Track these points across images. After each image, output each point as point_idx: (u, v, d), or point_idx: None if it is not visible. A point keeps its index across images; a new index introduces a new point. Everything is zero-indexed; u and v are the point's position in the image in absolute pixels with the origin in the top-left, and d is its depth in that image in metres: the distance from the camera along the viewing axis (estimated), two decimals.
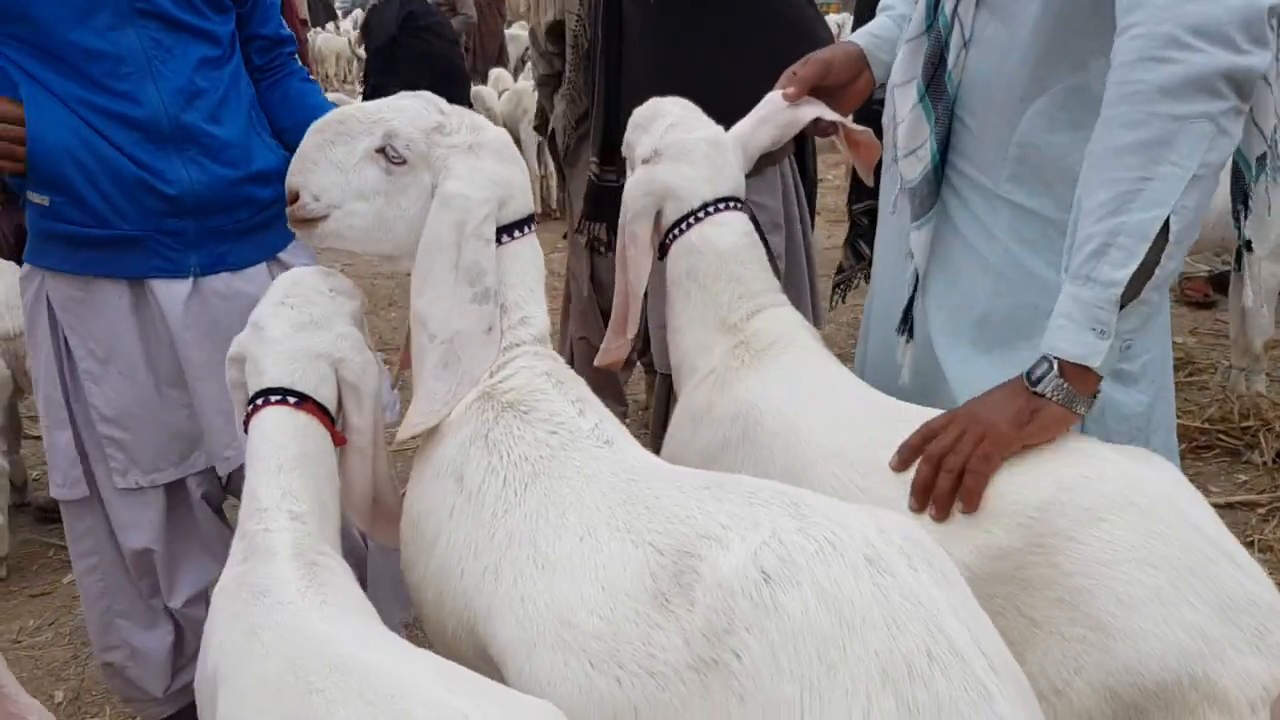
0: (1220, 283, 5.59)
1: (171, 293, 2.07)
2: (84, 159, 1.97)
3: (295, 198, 1.66)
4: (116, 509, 2.17)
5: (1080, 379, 1.43)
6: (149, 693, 2.30)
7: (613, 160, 2.96)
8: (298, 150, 1.66)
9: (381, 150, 1.64)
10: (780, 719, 1.03)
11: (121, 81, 1.98)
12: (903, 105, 1.82)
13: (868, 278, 2.46)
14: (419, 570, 1.59)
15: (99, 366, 2.10)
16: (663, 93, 2.06)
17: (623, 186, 1.93)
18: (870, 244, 2.30)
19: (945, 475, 1.40)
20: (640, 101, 2.04)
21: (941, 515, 1.39)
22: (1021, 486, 1.38)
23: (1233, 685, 1.21)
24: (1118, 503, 1.31)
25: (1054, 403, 1.43)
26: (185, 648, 2.30)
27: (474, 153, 1.66)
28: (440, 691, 1.10)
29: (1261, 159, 1.74)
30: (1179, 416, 2.66)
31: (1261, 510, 3.60)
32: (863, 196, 3.78)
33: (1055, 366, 1.43)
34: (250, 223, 2.13)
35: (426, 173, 1.66)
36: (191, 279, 2.09)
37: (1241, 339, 4.37)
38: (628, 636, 1.20)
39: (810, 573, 1.09)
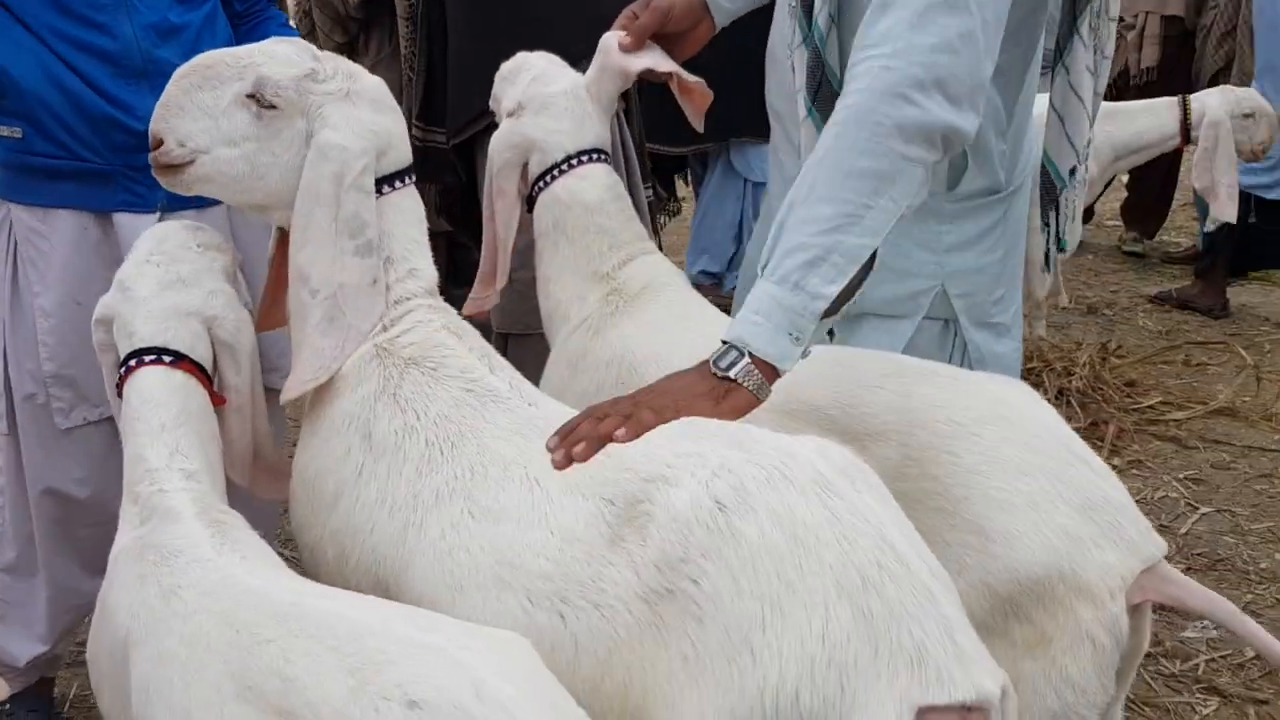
0: None
1: (137, 228, 1.96)
2: (51, 91, 1.98)
3: (159, 144, 1.61)
4: (45, 451, 2.11)
5: (768, 373, 1.41)
6: (12, 658, 2.21)
7: (440, 121, 2.95)
8: (162, 96, 1.61)
9: (252, 96, 1.60)
10: (742, 635, 1.12)
11: (99, 13, 1.98)
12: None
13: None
14: (316, 530, 1.58)
15: (53, 303, 2.06)
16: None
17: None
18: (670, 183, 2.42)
19: (594, 422, 1.36)
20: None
21: (575, 457, 1.33)
22: (895, 409, 1.51)
23: (1095, 577, 1.39)
24: (988, 417, 1.46)
25: (745, 389, 1.40)
26: (59, 616, 2.21)
27: (350, 101, 1.65)
28: (408, 629, 1.12)
29: (1072, 171, 1.95)
30: None
31: None
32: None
33: (747, 357, 1.40)
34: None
35: (300, 119, 1.63)
36: (158, 214, 2.04)
37: (1027, 288, 4.78)
38: (577, 576, 1.25)
39: (763, 499, 1.17)
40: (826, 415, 1.54)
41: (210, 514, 1.40)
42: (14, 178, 2.07)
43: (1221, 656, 2.87)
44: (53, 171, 2.03)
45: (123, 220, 2.07)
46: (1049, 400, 4.13)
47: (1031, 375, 4.44)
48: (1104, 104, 4.62)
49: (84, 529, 2.16)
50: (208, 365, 1.59)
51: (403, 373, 1.56)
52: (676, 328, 1.81)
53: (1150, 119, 4.28)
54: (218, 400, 1.61)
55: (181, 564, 1.30)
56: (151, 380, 1.52)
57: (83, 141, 2.02)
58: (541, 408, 1.52)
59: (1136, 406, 4.28)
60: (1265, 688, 2.74)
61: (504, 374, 1.57)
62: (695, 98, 2.08)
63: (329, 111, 1.62)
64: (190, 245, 1.64)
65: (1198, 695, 2.73)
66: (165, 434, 1.47)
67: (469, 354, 1.58)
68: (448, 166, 2.93)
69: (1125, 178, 6.25)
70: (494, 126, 2.41)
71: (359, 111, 1.65)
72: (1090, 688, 1.39)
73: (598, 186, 1.90)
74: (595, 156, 1.93)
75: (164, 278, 1.58)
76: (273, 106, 1.60)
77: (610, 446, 1.32)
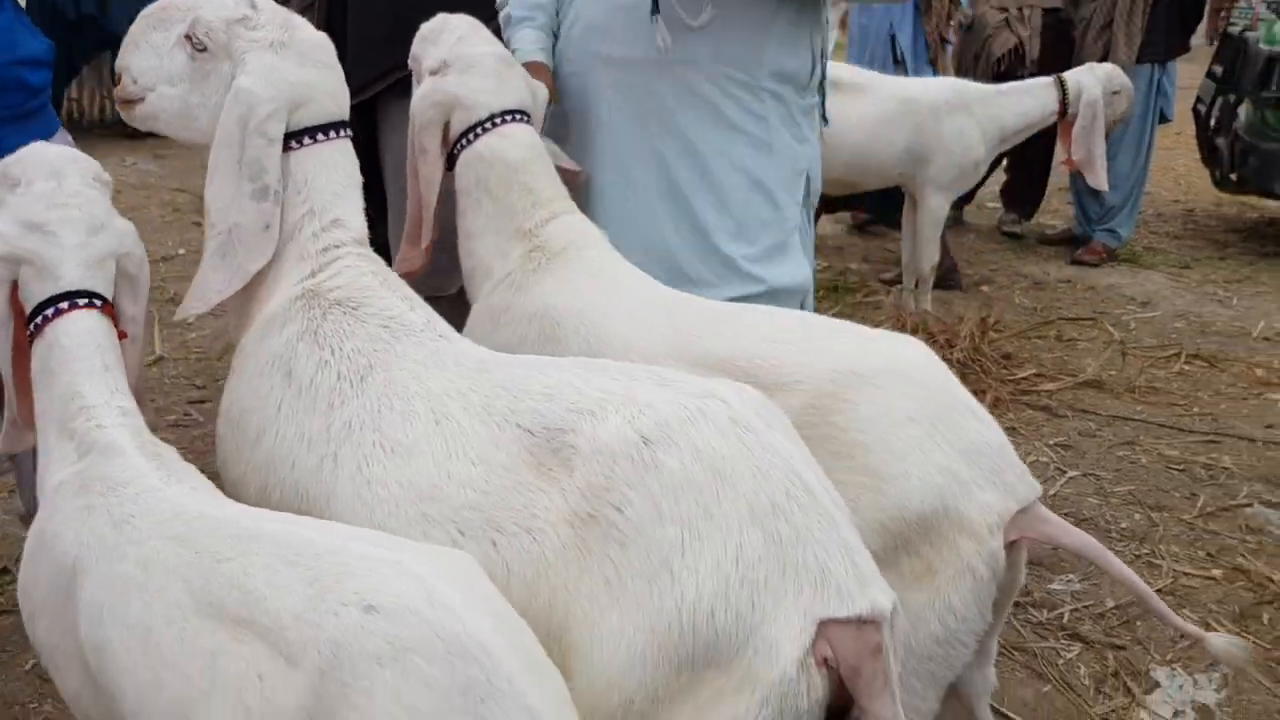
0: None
1: None
2: None
3: (119, 79, 1.64)
4: None
5: None
6: None
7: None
8: (128, 33, 1.64)
9: (188, 37, 1.64)
10: (662, 558, 1.22)
11: None
12: None
13: None
14: (239, 467, 1.63)
15: None
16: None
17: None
18: None
19: None
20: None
21: None
22: (802, 363, 1.63)
23: (976, 515, 1.53)
24: (885, 370, 1.59)
25: None
26: None
27: (275, 51, 1.69)
28: (364, 546, 1.19)
29: None
30: None
31: None
32: None
33: None
34: (23, 108, 2.04)
35: (227, 63, 1.67)
36: None
37: (912, 264, 5.00)
38: (509, 504, 1.33)
39: (685, 434, 1.27)
40: (737, 367, 1.65)
41: (149, 448, 1.45)
42: None
43: (1084, 607, 3.10)
44: None
45: None
46: None
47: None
48: (986, 87, 4.88)
49: None
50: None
51: (325, 313, 1.62)
52: (597, 284, 1.90)
53: (1031, 99, 4.55)
54: (122, 334, 1.64)
55: (131, 493, 1.35)
56: (88, 323, 1.54)
57: None
58: (453, 342, 1.60)
59: (1012, 378, 4.53)
60: (1122, 634, 2.98)
61: (422, 312, 1.64)
62: None
63: (250, 58, 1.67)
64: (89, 181, 1.63)
65: (1062, 641, 2.95)
66: (108, 374, 1.51)
67: (391, 295, 1.65)
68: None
69: (1005, 162, 6.56)
70: (397, 86, 2.45)
71: (282, 62, 1.69)
72: (970, 616, 1.54)
73: (520, 145, 1.97)
74: (518, 116, 2.00)
75: (88, 222, 1.59)
76: (204, 49, 1.65)
77: (528, 380, 1.42)
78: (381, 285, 1.67)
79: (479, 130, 1.98)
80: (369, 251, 1.73)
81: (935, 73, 5.52)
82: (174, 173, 7.27)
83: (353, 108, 2.84)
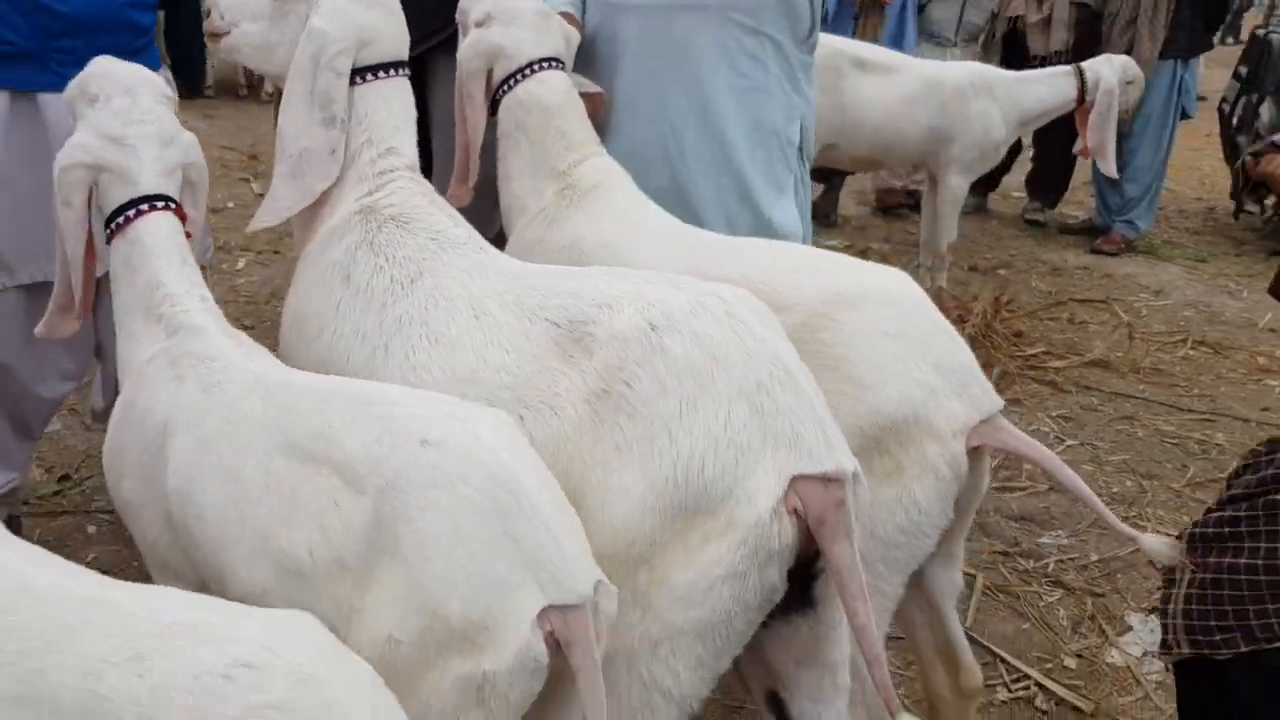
0: (914, 197, 6.50)
1: (59, 107, 2.17)
2: None
3: (208, 13, 1.89)
4: None
5: None
6: None
7: None
8: None
9: None
10: (663, 424, 1.46)
11: None
12: None
13: None
14: (300, 360, 1.87)
15: None
16: None
17: None
18: None
19: None
20: None
21: None
22: (801, 287, 1.86)
23: (942, 421, 1.76)
24: (869, 294, 1.82)
25: None
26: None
27: None
28: (422, 398, 1.45)
29: None
30: None
31: None
32: None
33: None
34: (132, 46, 2.27)
35: (304, 5, 1.92)
36: None
37: (930, 242, 5.21)
38: (534, 384, 1.58)
39: (687, 323, 1.51)
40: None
41: (228, 330, 1.70)
42: None
43: (1070, 559, 3.31)
44: None
45: (46, 100, 2.27)
46: None
47: None
48: (1009, 73, 5.07)
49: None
50: None
51: (380, 226, 1.86)
52: (622, 220, 2.13)
53: (1050, 88, 4.74)
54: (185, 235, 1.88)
55: (219, 365, 1.60)
56: (166, 224, 1.78)
57: (9, 23, 2.19)
58: (492, 257, 1.84)
59: (1021, 354, 4.74)
60: (1103, 585, 3.20)
61: (465, 229, 1.89)
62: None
63: (324, 2, 1.92)
64: (159, 98, 1.86)
65: (1045, 587, 3.17)
66: (186, 267, 1.75)
67: (439, 213, 1.90)
68: None
69: (1031, 152, 6.74)
70: (444, 44, 2.70)
71: (352, 6, 1.94)
72: (932, 510, 1.76)
73: (556, 91, 2.20)
74: (554, 64, 2.23)
75: (160, 136, 1.82)
76: None
77: (557, 283, 1.66)
78: (430, 204, 1.92)
79: (519, 76, 2.21)
80: (419, 176, 1.98)
81: (854, 33, 5.75)
82: (222, 132, 7.58)
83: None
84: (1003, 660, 2.83)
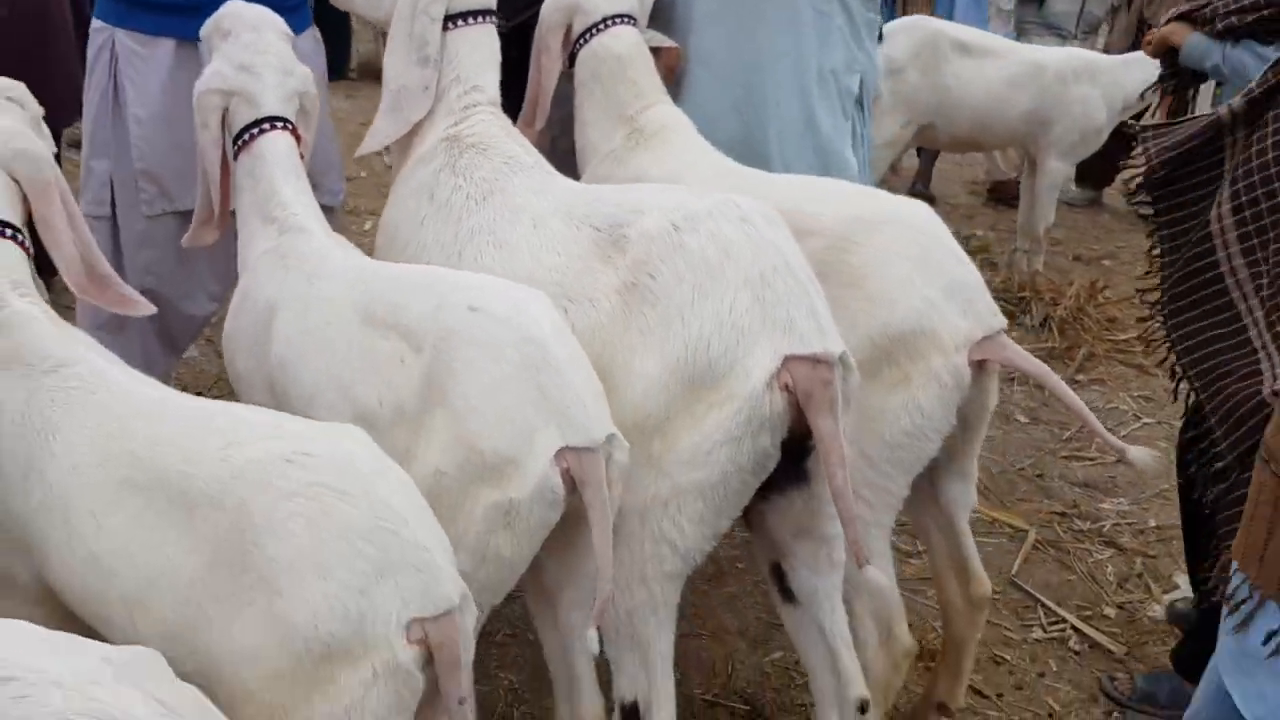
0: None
1: None
2: None
3: None
4: (131, 232, 2.65)
5: None
6: None
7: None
8: None
9: None
10: (678, 310, 1.70)
11: None
12: None
13: None
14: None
15: (145, 112, 2.58)
16: None
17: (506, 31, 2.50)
18: None
19: None
20: None
21: None
22: (827, 215, 2.07)
23: (947, 335, 1.95)
24: (887, 219, 2.03)
25: None
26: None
27: None
28: (477, 278, 1.75)
29: None
30: None
31: None
32: None
33: None
34: (287, 3, 2.55)
35: None
36: None
37: (1027, 225, 5.29)
38: (579, 281, 1.84)
39: (705, 224, 1.75)
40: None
41: (331, 234, 2.01)
42: (120, 8, 2.58)
43: (1127, 524, 3.42)
44: (152, 3, 2.53)
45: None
46: (1033, 325, 4.69)
47: (1020, 302, 4.97)
48: (1111, 58, 5.12)
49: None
50: None
51: (462, 153, 2.15)
52: (681, 160, 2.38)
53: (1140, 71, 4.77)
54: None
55: (319, 259, 1.91)
56: (284, 141, 2.10)
57: None
58: (555, 179, 2.11)
59: (1112, 339, 4.79)
60: (1157, 548, 3.29)
61: (534, 156, 2.16)
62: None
63: None
64: (280, 34, 2.18)
65: (1098, 546, 3.29)
66: (298, 180, 2.07)
67: (512, 143, 2.18)
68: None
69: None
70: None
71: None
72: (935, 415, 1.96)
73: (628, 43, 2.46)
74: (627, 20, 2.49)
75: (281, 66, 2.14)
76: None
77: (606, 196, 1.92)
78: (506, 135, 2.20)
79: (595, 30, 2.48)
80: (499, 111, 2.26)
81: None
82: (362, 110, 8.06)
83: (507, 33, 3.46)
84: (1042, 605, 2.97)
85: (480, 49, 2.30)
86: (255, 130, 2.10)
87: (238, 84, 2.10)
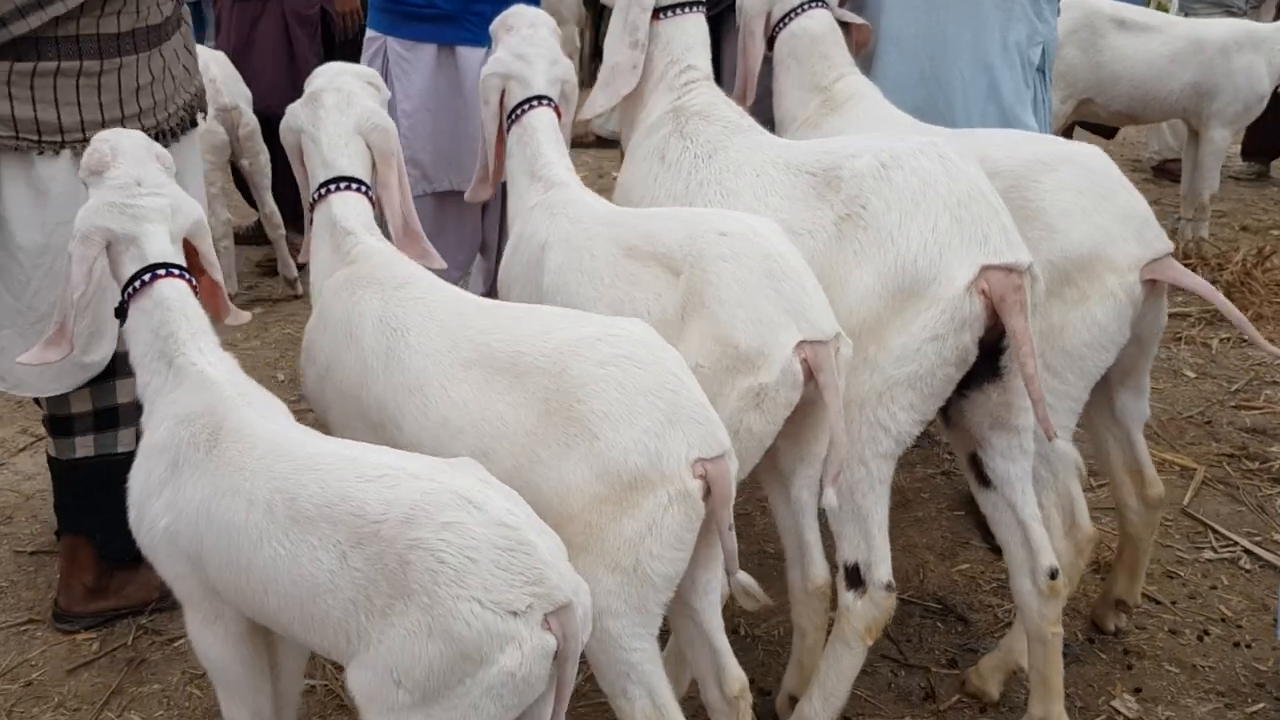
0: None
1: (472, 57, 3.10)
2: None
3: None
4: None
5: None
6: None
7: None
8: None
9: None
10: (888, 233, 2.08)
11: None
12: None
13: None
14: None
15: (410, 105, 3.16)
16: None
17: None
18: None
19: None
20: None
21: None
22: (1010, 156, 2.40)
23: (1120, 258, 2.28)
24: (1062, 159, 2.37)
25: None
26: None
27: None
28: (723, 210, 2.18)
29: None
30: None
31: (1190, 319, 4.75)
32: None
33: None
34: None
35: None
36: (485, 49, 3.05)
37: (1190, 194, 5.47)
38: (798, 217, 2.24)
39: (909, 162, 2.12)
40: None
41: (583, 186, 2.47)
42: (391, 20, 3.19)
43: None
44: (414, 15, 3.12)
45: (463, 51, 3.15)
46: None
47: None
48: (1273, 25, 5.27)
49: None
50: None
51: (687, 120, 2.58)
52: (873, 123, 2.76)
53: None
54: None
55: (581, 207, 2.35)
56: (548, 115, 2.56)
57: None
58: (769, 138, 2.52)
59: (1278, 300, 4.94)
60: None
61: (750, 120, 2.58)
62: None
63: None
64: (552, 31, 2.66)
65: (1266, 483, 3.50)
66: (559, 145, 2.53)
67: (730, 110, 2.60)
68: None
69: None
70: (732, 6, 3.41)
71: None
72: (1110, 328, 2.29)
73: (821, 24, 2.87)
74: (820, 3, 2.89)
75: (548, 56, 2.60)
76: None
77: (817, 146, 2.32)
78: (724, 104, 2.62)
79: (793, 14, 2.88)
80: (713, 83, 2.69)
81: None
82: None
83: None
84: (1213, 530, 3.23)
85: (690, 34, 2.72)
86: (526, 106, 2.57)
87: (515, 69, 2.58)
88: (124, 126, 2.34)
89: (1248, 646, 2.73)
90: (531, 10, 2.69)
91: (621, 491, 1.77)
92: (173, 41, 2.64)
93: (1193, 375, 4.28)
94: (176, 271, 1.95)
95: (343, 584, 1.53)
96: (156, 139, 2.29)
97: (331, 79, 2.33)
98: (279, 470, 1.64)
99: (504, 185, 2.66)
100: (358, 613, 1.53)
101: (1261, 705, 2.56)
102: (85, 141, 2.20)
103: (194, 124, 2.76)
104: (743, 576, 1.93)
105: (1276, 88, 5.36)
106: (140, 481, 1.83)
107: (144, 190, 1.99)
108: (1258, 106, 5.26)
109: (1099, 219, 2.31)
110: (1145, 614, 2.85)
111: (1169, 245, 2.34)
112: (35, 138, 2.41)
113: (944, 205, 2.08)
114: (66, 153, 2.44)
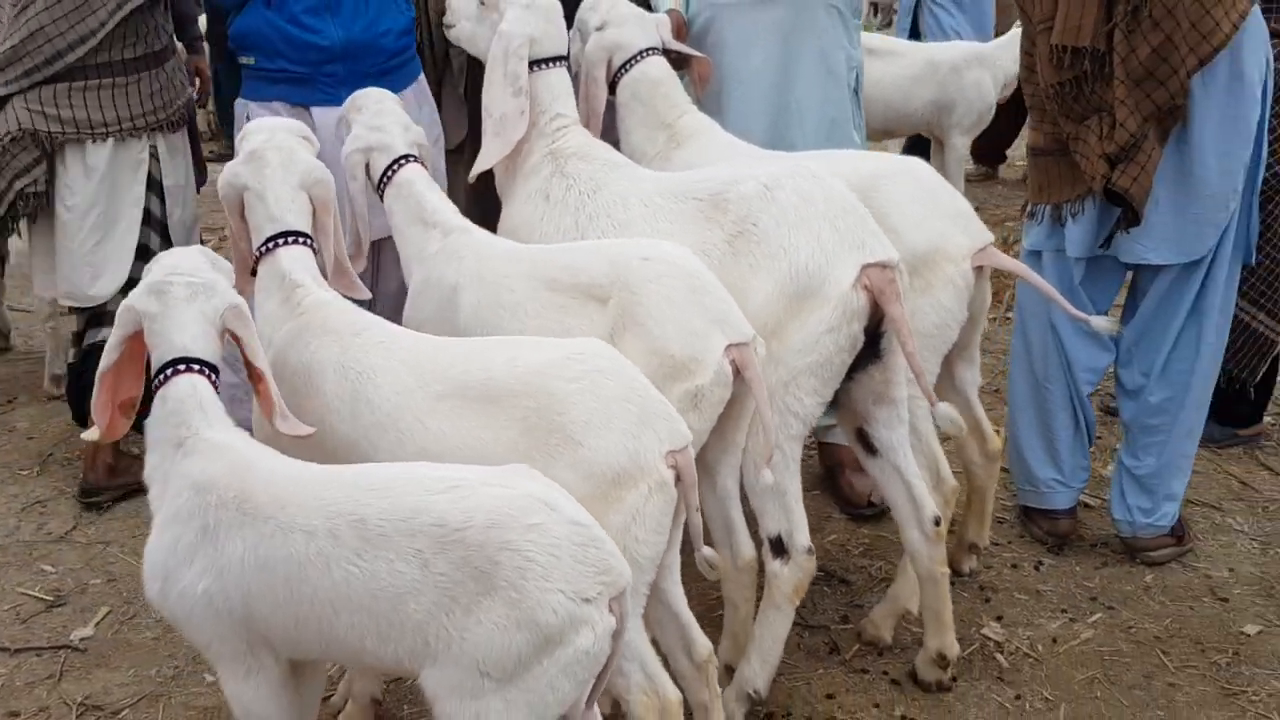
0: None
1: (326, 118, 3.21)
2: (271, 34, 3.29)
3: (442, 12, 3.00)
4: None
5: None
6: None
7: None
8: None
9: None
10: (778, 244, 2.44)
11: None
12: None
13: None
14: None
15: None
16: None
17: None
18: None
19: None
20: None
21: None
22: (853, 171, 2.84)
23: (954, 250, 2.75)
24: (897, 172, 2.82)
25: None
26: None
27: (526, 8, 2.96)
28: (640, 240, 2.46)
29: None
30: None
31: None
32: None
33: None
34: (382, 67, 3.29)
35: (496, 13, 2.96)
36: (338, 109, 3.21)
37: None
38: (692, 238, 2.55)
39: (789, 183, 2.49)
40: None
41: (482, 231, 2.71)
42: (250, 83, 3.37)
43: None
44: (270, 78, 3.30)
45: (317, 112, 3.31)
46: None
47: None
48: (981, 46, 6.08)
49: None
50: None
51: (566, 160, 2.87)
52: (721, 153, 3.12)
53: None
54: None
55: (487, 247, 2.60)
56: (418, 169, 2.77)
57: (289, 59, 3.26)
58: (645, 171, 2.85)
59: None
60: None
61: (623, 157, 2.90)
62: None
63: (510, 12, 2.95)
64: (397, 103, 2.90)
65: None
66: (438, 192, 2.76)
67: (604, 150, 2.91)
68: None
69: None
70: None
71: (528, 15, 2.96)
72: (954, 309, 2.75)
73: (660, 68, 3.21)
74: (655, 51, 3.24)
75: (401, 123, 2.82)
76: (484, 3, 2.95)
77: (697, 176, 2.67)
78: (598, 144, 2.93)
79: (633, 61, 3.22)
80: (582, 127, 2.98)
81: None
82: None
83: None
84: None
85: (556, 86, 3.01)
86: (395, 166, 2.78)
87: (374, 140, 2.78)
88: (144, 121, 3.74)
89: (1078, 567, 3.27)
90: (376, 90, 2.93)
91: (607, 489, 2.03)
92: (171, 61, 3.88)
93: None
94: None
95: (426, 589, 1.71)
96: (162, 129, 3.79)
97: (270, 137, 2.47)
98: (332, 498, 1.80)
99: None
100: (440, 613, 1.71)
101: (1098, 615, 3.09)
102: (120, 132, 3.71)
103: (185, 121, 3.93)
104: (706, 550, 2.23)
105: (999, 99, 6.18)
106: (164, 552, 1.90)
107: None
108: (988, 115, 6.06)
109: (933, 219, 2.77)
110: (989, 554, 3.34)
111: (990, 236, 2.83)
112: (90, 130, 3.69)
113: (823, 218, 2.47)
114: (109, 140, 3.71)
